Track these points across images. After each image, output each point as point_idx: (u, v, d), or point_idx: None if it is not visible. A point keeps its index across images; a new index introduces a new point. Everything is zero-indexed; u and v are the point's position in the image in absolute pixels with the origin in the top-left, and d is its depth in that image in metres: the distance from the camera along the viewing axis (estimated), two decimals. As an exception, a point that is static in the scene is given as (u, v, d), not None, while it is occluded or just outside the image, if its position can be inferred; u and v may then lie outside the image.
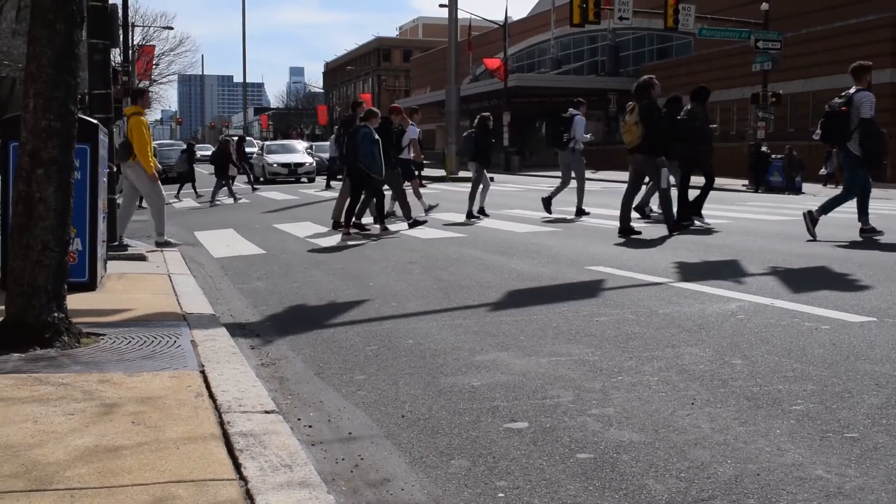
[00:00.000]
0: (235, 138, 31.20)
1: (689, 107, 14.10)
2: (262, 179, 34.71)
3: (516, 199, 22.80)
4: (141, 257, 10.41)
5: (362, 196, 13.97)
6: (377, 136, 13.45)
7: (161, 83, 62.05)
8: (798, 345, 5.54)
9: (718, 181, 28.89)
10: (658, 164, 12.65)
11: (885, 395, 4.41)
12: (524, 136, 55.84)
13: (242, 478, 3.20)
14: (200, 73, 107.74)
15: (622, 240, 12.03)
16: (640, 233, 12.50)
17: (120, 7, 23.17)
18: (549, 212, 16.21)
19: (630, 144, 12.75)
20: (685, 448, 3.73)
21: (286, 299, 7.94)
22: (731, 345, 5.60)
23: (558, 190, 16.96)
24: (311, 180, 35.18)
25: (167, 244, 12.06)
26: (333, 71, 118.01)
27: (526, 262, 9.85)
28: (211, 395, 4.32)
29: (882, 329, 5.94)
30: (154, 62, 52.67)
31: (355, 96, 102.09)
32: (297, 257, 10.95)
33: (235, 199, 24.19)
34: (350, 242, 12.55)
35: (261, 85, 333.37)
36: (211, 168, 27.56)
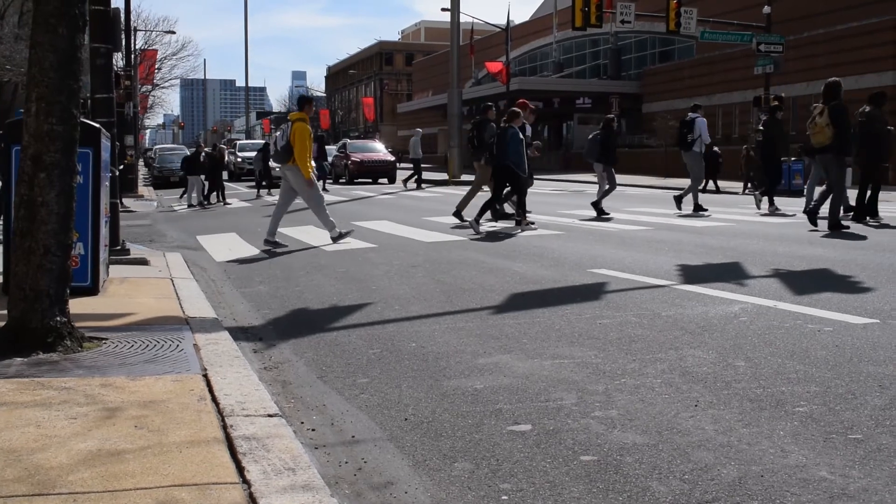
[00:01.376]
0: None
1: (867, 109, 14.74)
2: (263, 183, 34.74)
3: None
4: (143, 261, 10.41)
5: (505, 191, 15.01)
6: (521, 136, 14.48)
7: (163, 87, 62.24)
8: (801, 347, 5.53)
9: (721, 184, 28.93)
10: (845, 163, 13.88)
11: (888, 397, 4.41)
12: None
13: (245, 481, 3.20)
14: (202, 77, 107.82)
15: (829, 233, 12.76)
16: (847, 227, 13.32)
17: (122, 11, 23.22)
18: (680, 209, 17.71)
19: (820, 145, 13.50)
20: (688, 450, 3.72)
21: (289, 303, 7.94)
22: (734, 347, 5.60)
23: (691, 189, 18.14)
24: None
25: (341, 236, 12.83)
26: (336, 75, 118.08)
27: (529, 264, 9.85)
28: (214, 399, 4.32)
29: (885, 331, 5.93)
30: (156, 66, 52.77)
31: (357, 100, 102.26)
32: (299, 261, 10.95)
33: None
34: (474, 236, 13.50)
35: (263, 89, 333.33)
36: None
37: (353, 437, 4.11)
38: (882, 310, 6.66)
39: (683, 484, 3.36)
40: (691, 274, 8.86)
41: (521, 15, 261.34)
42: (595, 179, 29.26)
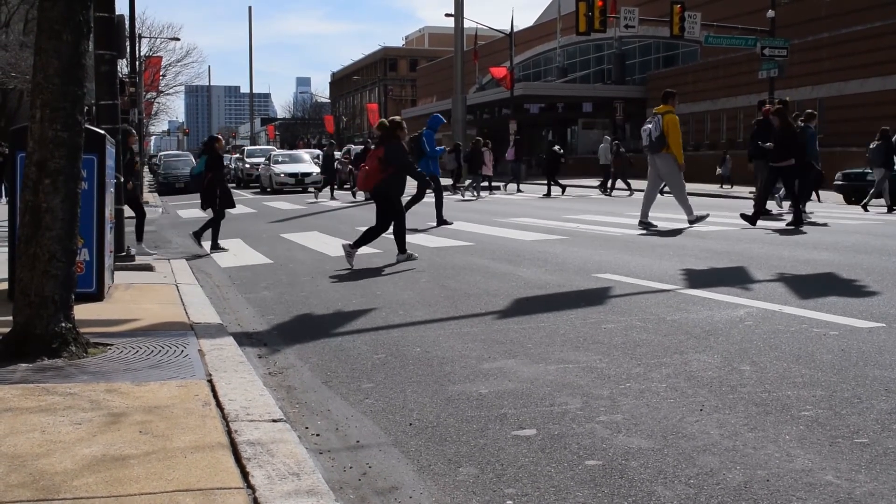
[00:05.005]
0: (485, 141, 32.80)
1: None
2: (268, 190, 34.79)
3: (523, 207, 22.81)
4: (148, 267, 10.43)
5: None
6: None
7: (168, 94, 62.21)
8: (807, 351, 5.52)
9: (726, 188, 29.04)
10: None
11: (894, 401, 4.39)
12: (530, 145, 55.85)
13: (250, 486, 3.20)
14: (207, 83, 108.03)
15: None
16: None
17: (127, 18, 23.27)
18: (867, 210, 19.29)
19: None
20: (694, 454, 3.71)
21: (293, 308, 7.95)
22: (739, 351, 5.58)
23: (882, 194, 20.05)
24: (319, 190, 35.17)
25: (698, 219, 14.65)
26: (340, 81, 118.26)
27: (533, 270, 9.84)
28: (218, 404, 4.32)
29: (891, 334, 5.91)
30: (161, 73, 52.82)
31: (362, 105, 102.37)
32: (304, 266, 10.95)
33: (478, 195, 28.23)
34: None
35: (267, 95, 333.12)
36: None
37: (357, 442, 4.10)
38: (888, 313, 6.64)
39: (689, 489, 3.35)
40: (696, 278, 8.85)
41: (525, 20, 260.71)
42: (596, 183, 30.09)
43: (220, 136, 14.39)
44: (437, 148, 17.20)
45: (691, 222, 14.77)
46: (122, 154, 11.57)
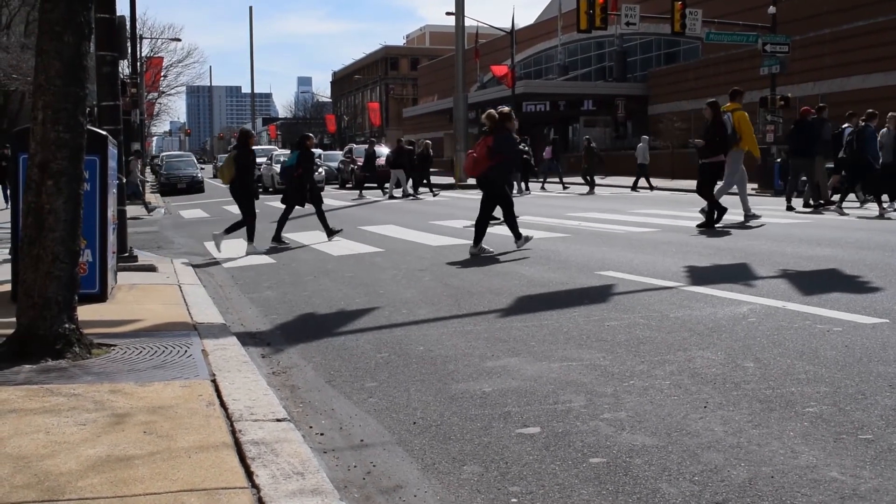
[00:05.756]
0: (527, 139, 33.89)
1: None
2: (270, 189, 34.80)
3: (525, 205, 22.79)
4: (151, 268, 10.43)
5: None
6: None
7: (169, 95, 62.32)
8: (810, 347, 5.51)
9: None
10: None
11: (899, 397, 4.38)
12: (532, 143, 55.84)
13: (255, 486, 3.20)
14: (208, 83, 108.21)
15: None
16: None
17: (128, 19, 23.29)
18: None
19: None
20: (698, 451, 3.71)
21: (296, 308, 7.95)
22: (743, 348, 5.58)
23: None
24: (321, 189, 35.20)
25: (754, 216, 15.21)
26: (341, 80, 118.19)
27: (536, 267, 9.83)
28: (222, 404, 4.32)
29: (895, 331, 5.91)
30: (162, 74, 52.88)
31: (363, 105, 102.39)
32: (306, 266, 10.95)
33: (521, 192, 29.06)
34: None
35: (269, 95, 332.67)
36: None
37: (361, 441, 4.10)
38: (892, 310, 6.64)
39: (693, 485, 3.35)
40: (699, 275, 8.84)
41: (526, 18, 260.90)
42: (604, 183, 30.22)
43: (311, 135, 15.31)
44: None
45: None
46: (245, 155, 13.12)
